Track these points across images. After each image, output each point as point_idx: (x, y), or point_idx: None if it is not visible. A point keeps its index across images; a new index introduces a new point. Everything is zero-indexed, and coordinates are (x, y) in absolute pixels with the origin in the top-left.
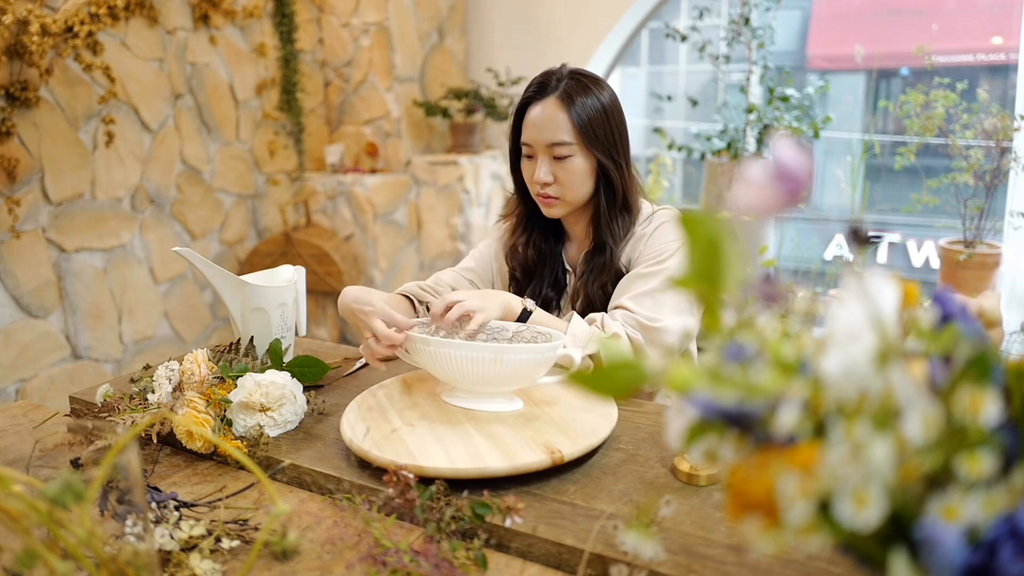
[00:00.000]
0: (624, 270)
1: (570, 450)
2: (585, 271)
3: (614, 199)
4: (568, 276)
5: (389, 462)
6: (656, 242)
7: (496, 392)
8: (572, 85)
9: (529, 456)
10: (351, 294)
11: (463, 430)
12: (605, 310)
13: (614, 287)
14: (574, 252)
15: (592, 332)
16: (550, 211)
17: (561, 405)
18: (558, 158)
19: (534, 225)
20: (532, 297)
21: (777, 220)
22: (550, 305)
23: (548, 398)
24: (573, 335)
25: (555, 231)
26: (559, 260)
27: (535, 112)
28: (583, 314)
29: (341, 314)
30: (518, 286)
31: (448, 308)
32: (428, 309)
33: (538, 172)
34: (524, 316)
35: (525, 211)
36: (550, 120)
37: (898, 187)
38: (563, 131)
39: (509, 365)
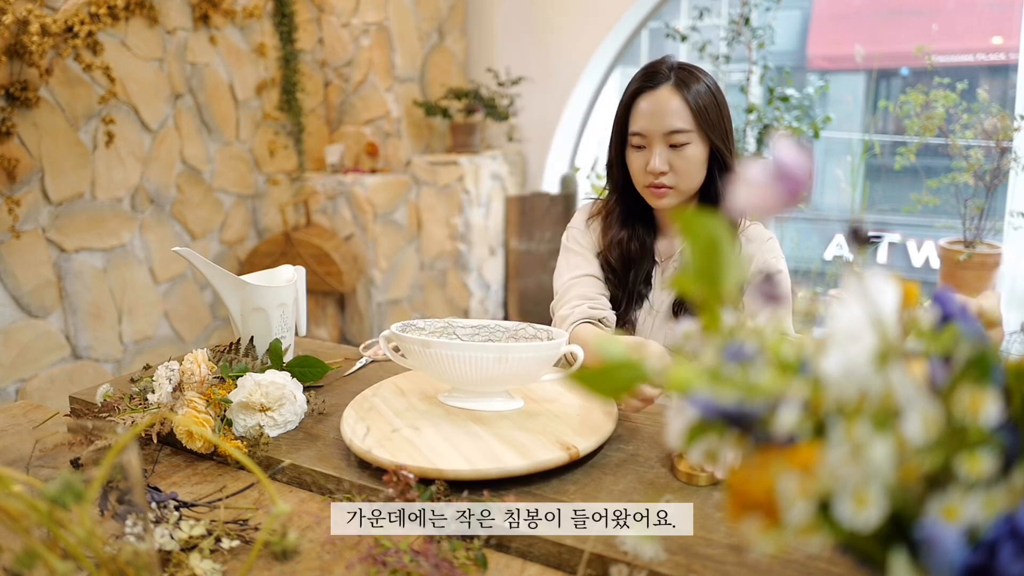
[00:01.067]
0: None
1: (584, 445)
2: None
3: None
4: (655, 269)
5: (391, 463)
6: (760, 261)
7: (498, 391)
8: (684, 74)
9: (546, 454)
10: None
11: (471, 430)
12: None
13: None
14: (664, 246)
15: None
16: (660, 202)
17: (561, 402)
18: (674, 146)
19: (634, 219)
20: (628, 292)
21: (777, 220)
22: (642, 299)
23: (547, 395)
24: None
25: (650, 224)
26: (651, 253)
27: (649, 101)
28: (676, 308)
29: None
30: (616, 278)
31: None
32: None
33: (653, 161)
34: None
35: (623, 206)
36: (666, 108)
37: (898, 187)
38: (680, 118)
39: (513, 364)
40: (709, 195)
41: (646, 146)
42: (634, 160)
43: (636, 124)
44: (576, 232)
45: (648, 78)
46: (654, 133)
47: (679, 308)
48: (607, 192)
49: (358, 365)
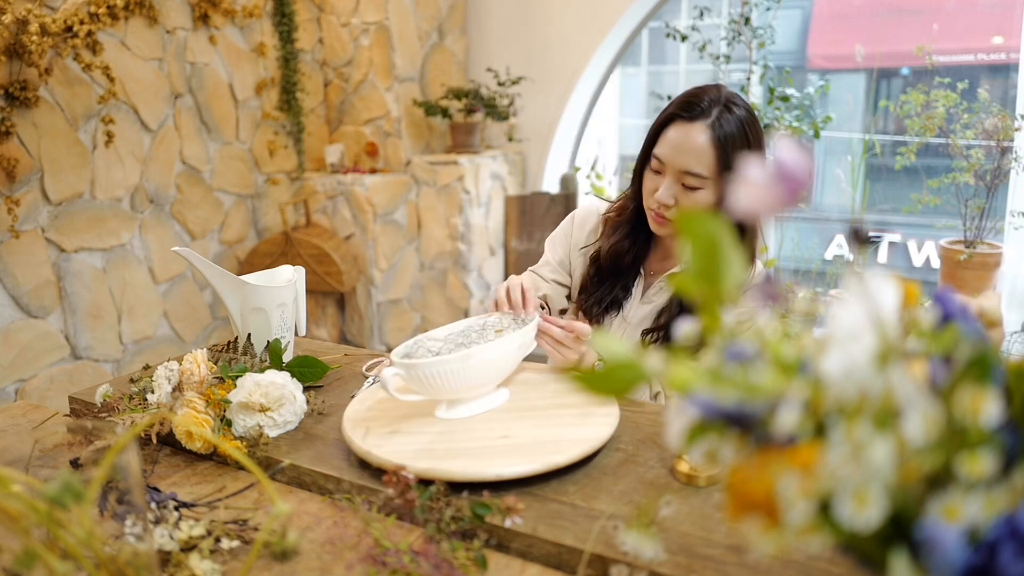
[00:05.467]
0: None
1: (589, 444)
2: (671, 291)
3: (740, 239)
4: (637, 280)
5: (400, 466)
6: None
7: (494, 388)
8: (726, 117)
9: (553, 454)
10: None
11: (475, 432)
12: (670, 329)
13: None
14: (656, 262)
15: None
16: (659, 230)
17: (561, 401)
18: (687, 186)
19: (638, 232)
20: (603, 296)
21: (777, 220)
22: (616, 307)
23: (547, 394)
24: None
25: (650, 238)
26: (638, 267)
27: (679, 132)
28: (645, 324)
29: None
30: (595, 278)
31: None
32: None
33: (661, 191)
34: None
35: (635, 218)
36: (692, 147)
37: (898, 187)
38: (702, 164)
39: (528, 345)
40: None
41: (662, 172)
42: (648, 181)
43: (659, 149)
44: (559, 231)
45: (688, 107)
46: (671, 165)
47: (650, 333)
48: (629, 192)
49: (365, 386)
